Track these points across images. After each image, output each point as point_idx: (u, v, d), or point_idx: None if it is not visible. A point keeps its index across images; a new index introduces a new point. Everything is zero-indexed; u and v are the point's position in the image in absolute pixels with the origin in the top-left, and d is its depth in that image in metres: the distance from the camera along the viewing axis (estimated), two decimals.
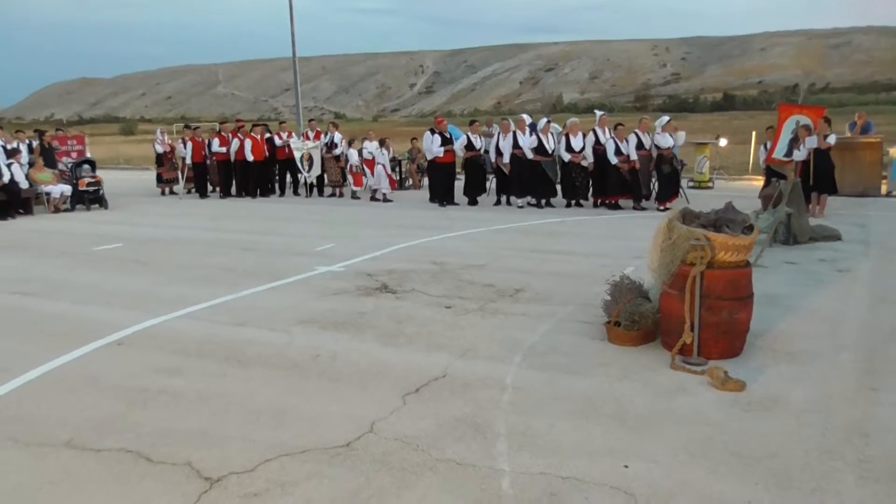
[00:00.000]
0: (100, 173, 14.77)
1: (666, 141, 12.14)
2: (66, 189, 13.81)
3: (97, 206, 14.12)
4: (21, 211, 13.16)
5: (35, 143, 14.87)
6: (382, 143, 14.98)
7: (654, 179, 12.54)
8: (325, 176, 15.70)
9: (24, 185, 13.23)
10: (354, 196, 14.99)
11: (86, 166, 14.46)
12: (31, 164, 13.79)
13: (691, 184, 15.16)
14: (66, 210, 13.72)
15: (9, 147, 13.62)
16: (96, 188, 14.20)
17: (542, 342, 5.12)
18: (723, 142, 17.24)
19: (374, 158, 14.76)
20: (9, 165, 12.95)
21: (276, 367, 4.75)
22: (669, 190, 12.36)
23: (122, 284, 7.31)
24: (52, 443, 3.68)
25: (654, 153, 12.24)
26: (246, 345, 5.18)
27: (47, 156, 14.56)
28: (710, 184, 15.58)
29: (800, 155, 11.43)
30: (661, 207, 12.03)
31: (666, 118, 12.83)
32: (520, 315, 5.81)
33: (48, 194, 13.61)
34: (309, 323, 5.71)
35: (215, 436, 3.71)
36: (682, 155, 13.23)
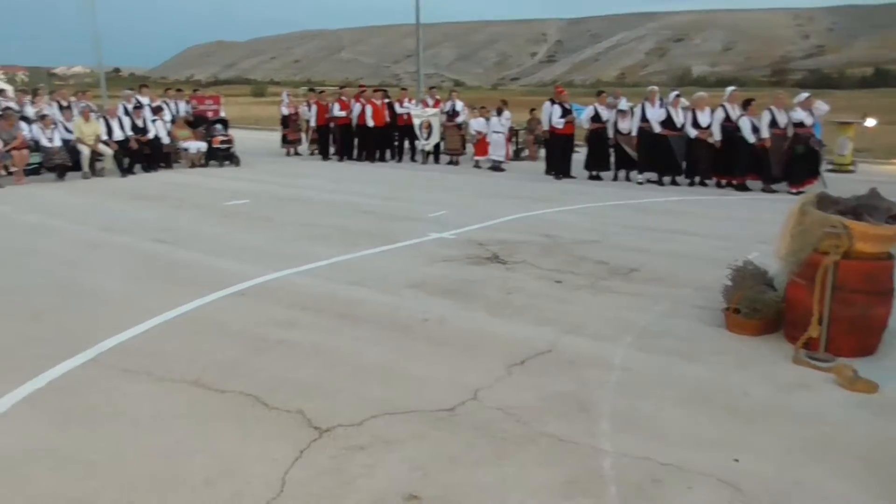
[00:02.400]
0: (231, 132, 15.61)
1: (802, 118, 11.31)
2: (202, 146, 14.70)
3: (228, 162, 14.96)
4: (162, 165, 14.17)
5: (180, 103, 15.81)
6: (500, 112, 14.84)
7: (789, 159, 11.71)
8: (443, 144, 15.80)
9: (165, 140, 14.20)
10: (477, 165, 14.95)
11: (219, 125, 15.34)
12: (173, 121, 14.75)
13: (830, 166, 14.04)
14: (201, 165, 14.62)
15: (153, 105, 14.61)
16: (228, 146, 15.04)
17: (654, 324, 4.97)
18: (870, 122, 15.79)
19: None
20: (153, 122, 13.92)
21: (385, 327, 4.88)
22: (805, 172, 11.51)
23: (248, 239, 7.74)
24: (181, 380, 3.98)
25: (790, 132, 11.46)
26: (358, 304, 5.36)
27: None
28: (851, 167, 14.38)
29: None
30: (795, 190, 11.25)
31: (805, 94, 11.92)
32: (632, 295, 5.66)
33: (186, 150, 14.54)
34: (419, 287, 5.82)
35: (326, 388, 3.89)
36: (822, 135, 12.26)
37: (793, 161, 11.60)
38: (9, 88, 23.69)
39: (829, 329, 4.26)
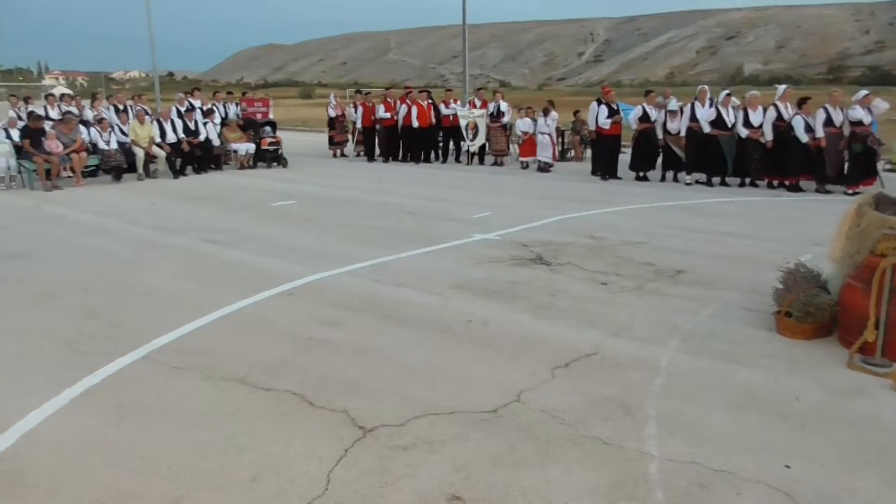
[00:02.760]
0: (279, 134, 15.89)
1: (861, 116, 10.94)
2: (251, 147, 15.00)
3: (276, 164, 15.23)
4: (212, 166, 14.50)
5: (230, 105, 16.15)
6: (546, 112, 14.75)
7: (844, 160, 11.36)
8: (487, 145, 15.78)
9: (216, 142, 14.54)
10: (524, 166, 14.86)
11: (268, 127, 15.63)
12: (224, 124, 15.08)
13: (888, 166, 13.58)
14: (249, 167, 14.92)
15: (205, 108, 14.97)
16: (276, 148, 15.32)
17: (702, 327, 4.88)
18: None
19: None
20: (204, 125, 14.27)
21: (429, 328, 4.91)
22: (862, 172, 11.14)
23: (295, 239, 7.86)
24: (229, 377, 4.07)
25: (847, 130, 11.10)
26: (403, 304, 5.40)
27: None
28: None
29: None
30: (851, 191, 10.89)
31: (864, 92, 11.53)
32: (679, 297, 5.56)
33: (235, 152, 14.86)
34: (463, 288, 5.83)
35: (370, 388, 3.92)
36: (880, 134, 11.84)
37: (849, 161, 11.24)
38: (69, 93, 24.56)
39: (886, 333, 4.12)
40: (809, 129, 11.19)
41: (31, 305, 5.57)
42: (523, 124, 14.88)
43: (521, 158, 15.02)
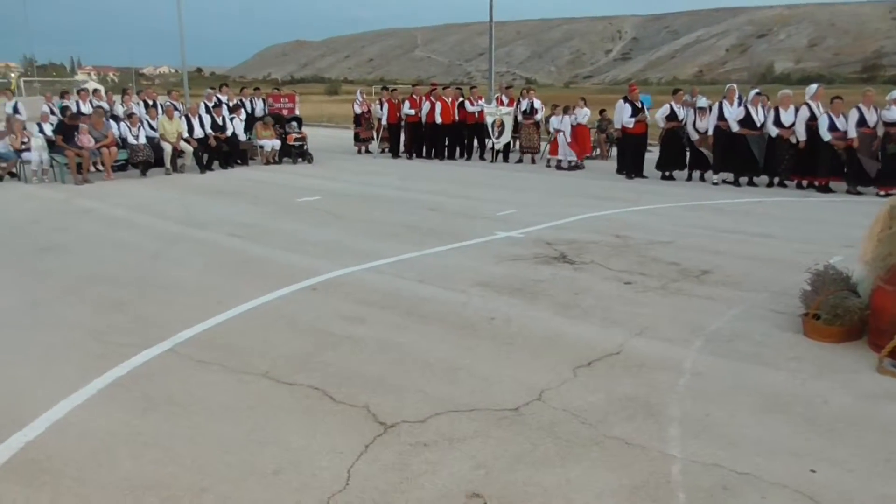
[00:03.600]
0: (305, 130, 15.99)
1: (895, 117, 10.71)
2: (276, 143, 15.11)
3: (302, 159, 15.33)
4: (238, 161, 14.64)
5: (257, 101, 16.27)
6: (566, 111, 14.62)
7: (878, 160, 11.13)
8: (518, 141, 15.69)
9: (242, 138, 14.68)
10: (558, 165, 14.69)
11: (294, 123, 15.74)
12: (251, 119, 15.20)
13: None
14: (275, 162, 15.03)
15: (231, 104, 15.11)
16: (302, 143, 15.42)
17: (727, 328, 4.81)
18: None
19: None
20: (231, 120, 14.41)
21: (452, 325, 4.90)
22: (895, 173, 10.91)
23: (319, 234, 7.91)
24: (252, 371, 4.11)
25: (881, 130, 10.87)
26: (425, 301, 5.40)
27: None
28: None
29: None
30: (883, 193, 10.67)
31: None
32: (705, 298, 5.50)
33: (262, 147, 14.98)
34: (486, 286, 5.82)
35: (392, 384, 3.93)
36: None
37: (883, 161, 11.00)
38: (101, 88, 24.98)
39: None
40: (834, 127, 11.00)
41: (61, 297, 5.67)
42: (556, 121, 14.72)
43: (550, 156, 14.91)
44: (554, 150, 14.79)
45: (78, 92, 16.97)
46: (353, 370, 4.13)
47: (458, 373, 4.09)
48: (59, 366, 4.23)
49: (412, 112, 16.02)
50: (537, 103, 15.40)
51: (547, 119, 15.41)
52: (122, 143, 13.01)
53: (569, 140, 14.36)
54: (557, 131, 14.60)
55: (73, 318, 5.14)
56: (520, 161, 15.53)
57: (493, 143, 15.68)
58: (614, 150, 14.97)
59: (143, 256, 6.99)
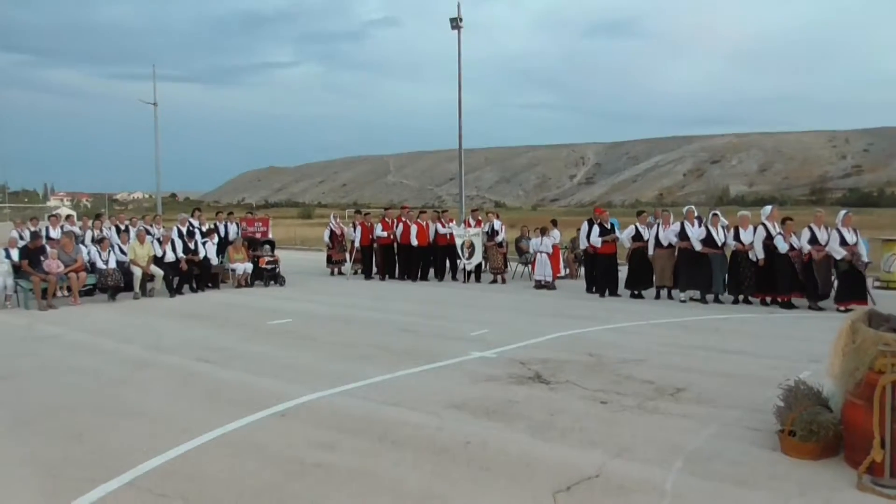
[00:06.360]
0: (278, 252, 16.09)
1: (845, 235, 11.22)
2: (249, 266, 15.13)
3: (274, 282, 15.32)
4: (210, 285, 14.57)
5: (231, 225, 16.45)
6: (544, 232, 15.02)
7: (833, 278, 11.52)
8: (485, 263, 15.99)
9: (214, 261, 14.69)
10: (539, 284, 14.75)
11: (266, 246, 15.86)
12: (222, 243, 15.30)
13: (878, 283, 13.76)
14: (247, 285, 14.99)
15: (204, 228, 15.25)
16: (274, 266, 15.47)
17: (705, 447, 4.75)
18: None
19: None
20: (204, 244, 14.48)
21: (426, 450, 4.76)
22: (851, 290, 11.25)
23: (290, 358, 7.77)
24: None
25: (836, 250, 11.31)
26: (398, 426, 5.27)
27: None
28: None
29: None
30: (843, 308, 10.96)
31: (843, 212, 11.95)
32: (681, 416, 5.45)
33: (234, 270, 14.98)
34: (461, 408, 5.71)
35: None
36: (870, 252, 12.07)
37: (838, 278, 11.40)
38: (73, 213, 25.09)
39: (893, 453, 4.00)
40: (792, 248, 11.49)
41: (13, 429, 5.39)
42: (535, 243, 15.09)
43: (536, 278, 15.08)
44: (534, 269, 15.09)
45: (49, 217, 17.01)
46: (323, 502, 3.94)
47: (434, 502, 3.93)
48: None
49: (385, 234, 16.30)
50: (497, 225, 15.87)
51: (517, 240, 15.77)
52: (91, 268, 12.92)
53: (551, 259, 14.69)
54: (537, 252, 14.90)
55: (24, 452, 4.86)
56: (494, 281, 15.71)
57: (464, 264, 15.92)
58: (583, 270, 15.26)
59: (107, 383, 6.76)
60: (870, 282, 12.33)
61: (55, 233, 14.34)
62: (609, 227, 13.53)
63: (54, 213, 22.19)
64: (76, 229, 15.04)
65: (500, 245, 15.81)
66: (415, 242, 15.90)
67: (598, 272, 13.49)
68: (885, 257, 14.23)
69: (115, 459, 4.60)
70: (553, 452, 4.68)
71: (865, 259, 11.49)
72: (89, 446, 4.93)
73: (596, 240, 13.24)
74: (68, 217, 18.34)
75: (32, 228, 13.99)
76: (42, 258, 12.19)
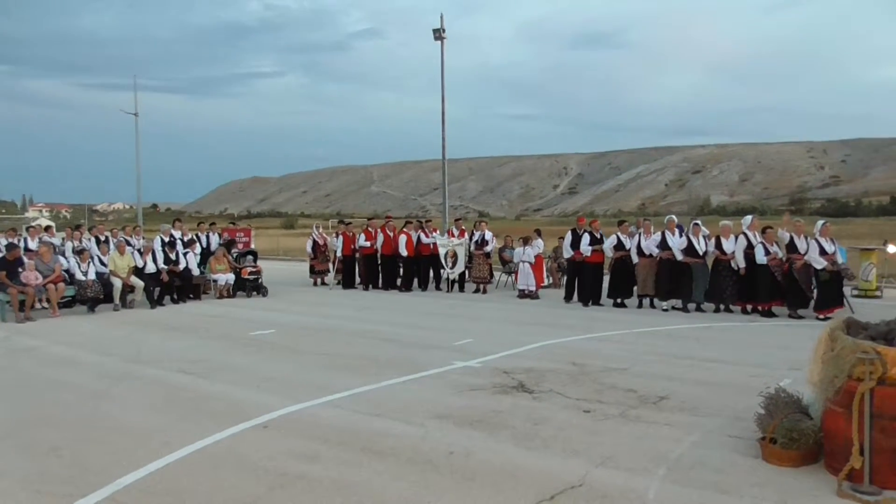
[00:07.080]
0: (260, 263, 16.01)
1: (824, 245, 11.37)
2: (231, 277, 15.03)
3: (256, 293, 15.22)
4: (191, 296, 14.44)
5: (212, 236, 16.34)
6: (526, 242, 15.08)
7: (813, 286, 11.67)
8: (469, 272, 16.00)
9: (196, 272, 14.57)
10: (522, 293, 14.82)
11: (249, 257, 15.77)
12: (205, 254, 15.20)
13: (856, 292, 13.95)
14: (229, 296, 14.88)
15: (185, 239, 15.14)
16: (256, 277, 15.37)
17: (688, 455, 4.77)
18: (892, 248, 15.82)
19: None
20: (185, 255, 14.36)
21: (410, 460, 4.74)
22: (830, 298, 11.43)
23: (272, 369, 7.72)
24: None
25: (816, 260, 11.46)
26: (382, 436, 5.24)
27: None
28: (877, 292, 14.25)
29: None
30: (822, 316, 11.11)
31: (821, 222, 12.15)
32: (664, 424, 5.48)
33: (215, 281, 14.87)
34: (444, 418, 5.70)
35: None
36: (848, 260, 12.25)
37: (817, 288, 11.55)
38: (52, 225, 24.82)
39: (872, 460, 4.05)
40: (768, 253, 11.70)
41: None
42: (518, 253, 15.15)
43: (520, 287, 15.12)
44: (517, 279, 15.14)
45: (27, 229, 16.81)
46: None
47: None
48: None
49: (367, 244, 16.28)
50: (488, 235, 15.91)
51: (500, 250, 15.81)
52: (70, 280, 12.77)
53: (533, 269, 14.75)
54: (521, 262, 14.95)
55: (1, 466, 4.78)
56: (477, 291, 15.72)
57: (447, 274, 15.93)
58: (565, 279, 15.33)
59: (86, 396, 6.67)
60: (847, 290, 12.51)
61: (34, 244, 14.16)
62: (599, 236, 13.61)
63: (33, 224, 21.96)
64: (55, 241, 14.87)
65: (487, 255, 15.83)
66: (404, 253, 15.90)
67: (586, 281, 13.53)
68: (862, 266, 14.44)
69: (94, 474, 4.53)
70: (537, 461, 4.68)
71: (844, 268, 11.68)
72: (68, 461, 4.86)
73: (586, 248, 13.31)
74: (47, 228, 18.12)
75: (10, 240, 13.82)
76: (20, 270, 12.03)
